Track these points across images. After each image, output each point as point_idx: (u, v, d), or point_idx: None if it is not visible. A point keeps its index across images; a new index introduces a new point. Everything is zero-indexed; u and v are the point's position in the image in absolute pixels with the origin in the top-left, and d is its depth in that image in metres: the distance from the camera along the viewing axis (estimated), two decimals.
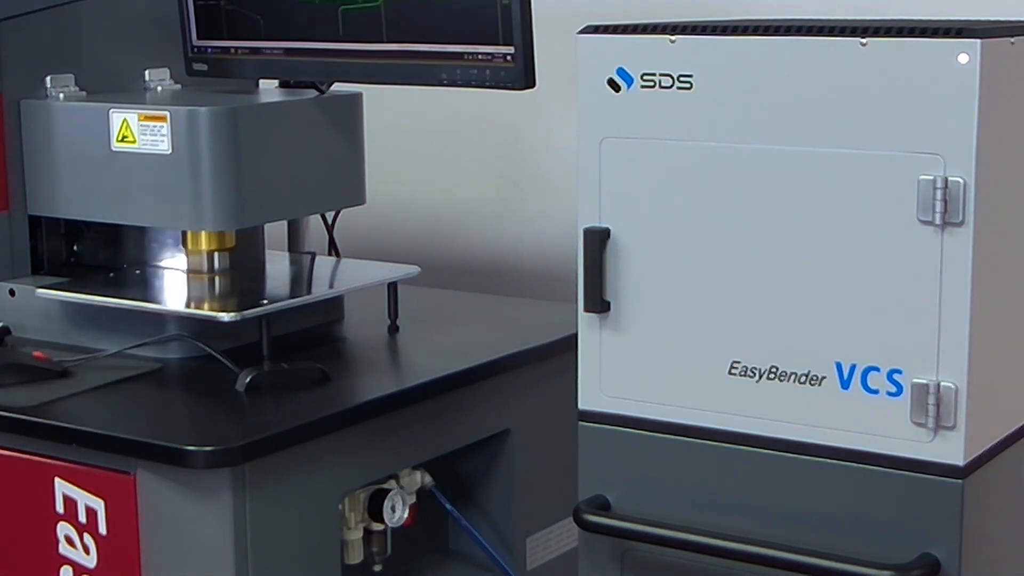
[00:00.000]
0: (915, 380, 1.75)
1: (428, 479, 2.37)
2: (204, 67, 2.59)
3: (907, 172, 1.72)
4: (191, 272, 2.53)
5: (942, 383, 1.74)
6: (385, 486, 2.30)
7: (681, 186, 1.86)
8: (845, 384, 1.79)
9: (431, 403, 2.30)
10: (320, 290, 2.61)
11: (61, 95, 2.48)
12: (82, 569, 2.14)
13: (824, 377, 1.81)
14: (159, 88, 2.62)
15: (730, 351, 1.86)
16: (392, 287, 2.59)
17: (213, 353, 2.30)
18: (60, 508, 2.14)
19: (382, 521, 2.29)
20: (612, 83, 1.89)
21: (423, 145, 3.27)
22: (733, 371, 1.86)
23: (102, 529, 2.11)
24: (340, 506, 2.23)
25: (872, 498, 1.79)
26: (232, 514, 2.03)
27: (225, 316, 2.29)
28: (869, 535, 1.80)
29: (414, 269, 2.60)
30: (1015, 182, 1.80)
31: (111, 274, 2.54)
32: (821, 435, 1.82)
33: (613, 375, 1.94)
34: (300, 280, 2.64)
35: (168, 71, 2.63)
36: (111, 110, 2.38)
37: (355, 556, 2.29)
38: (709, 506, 1.89)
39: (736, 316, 1.85)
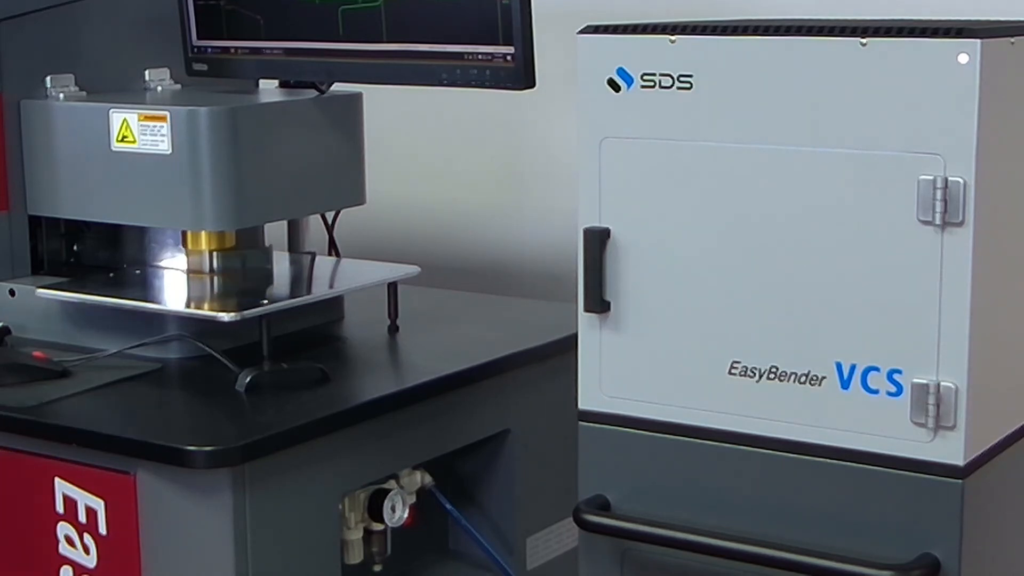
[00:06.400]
0: (915, 380, 1.75)
1: (428, 479, 2.37)
2: (204, 67, 2.59)
3: (907, 172, 1.72)
4: (191, 272, 2.53)
5: (942, 383, 1.74)
6: (385, 486, 2.30)
7: (681, 186, 1.86)
8: (845, 384, 1.79)
9: (431, 403, 2.30)
10: (320, 290, 2.61)
11: (61, 95, 2.48)
12: (82, 569, 2.14)
13: (824, 377, 1.81)
14: (159, 88, 2.62)
15: (730, 351, 1.86)
16: (392, 287, 2.59)
17: (213, 353, 2.30)
18: (60, 508, 2.14)
19: (382, 521, 2.29)
20: (612, 83, 1.89)
21: (423, 145, 3.27)
22: (733, 371, 1.86)
23: (102, 529, 2.11)
24: (340, 506, 2.23)
25: (872, 498, 1.79)
26: (232, 514, 2.03)
27: (225, 316, 2.29)
28: (869, 535, 1.80)
29: (414, 269, 2.60)
30: (1015, 182, 1.80)
31: (111, 274, 2.54)
32: (821, 435, 1.82)
33: (613, 375, 1.94)
34: (300, 280, 2.64)
35: (168, 71, 2.63)
36: (111, 110, 2.38)
37: (355, 556, 2.29)
38: (709, 506, 1.89)
39: (736, 316, 1.85)
